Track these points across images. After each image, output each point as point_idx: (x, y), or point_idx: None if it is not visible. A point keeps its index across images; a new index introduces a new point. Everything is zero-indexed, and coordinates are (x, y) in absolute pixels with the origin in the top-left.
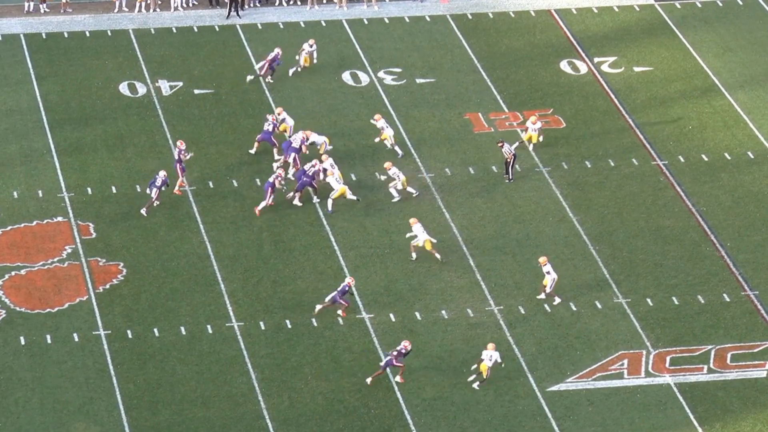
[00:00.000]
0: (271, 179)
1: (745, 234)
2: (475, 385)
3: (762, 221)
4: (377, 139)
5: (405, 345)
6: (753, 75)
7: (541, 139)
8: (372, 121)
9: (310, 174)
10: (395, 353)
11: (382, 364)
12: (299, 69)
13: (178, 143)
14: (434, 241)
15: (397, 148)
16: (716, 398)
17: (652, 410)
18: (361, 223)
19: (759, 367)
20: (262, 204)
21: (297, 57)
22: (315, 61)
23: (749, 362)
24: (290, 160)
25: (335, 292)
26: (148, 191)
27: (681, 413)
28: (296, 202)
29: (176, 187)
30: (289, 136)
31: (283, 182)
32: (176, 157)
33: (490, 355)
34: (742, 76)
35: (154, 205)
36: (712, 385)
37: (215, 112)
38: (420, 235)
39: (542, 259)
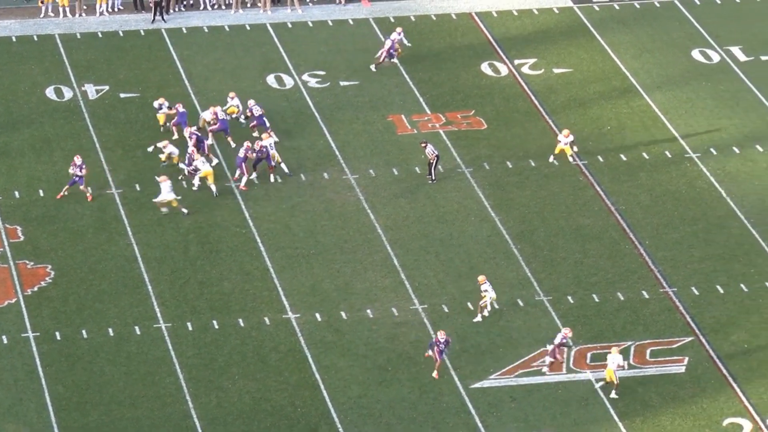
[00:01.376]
0: (240, 154)
1: (663, 232)
2: (614, 394)
3: (679, 219)
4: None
5: (442, 335)
6: (670, 76)
7: (575, 149)
8: (229, 99)
9: (255, 153)
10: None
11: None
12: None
13: (75, 158)
14: (179, 198)
15: (242, 118)
16: (636, 393)
17: (573, 406)
18: (287, 224)
19: (677, 362)
20: (245, 179)
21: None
22: (408, 44)
23: (668, 358)
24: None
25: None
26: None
27: (602, 408)
28: (250, 178)
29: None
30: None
31: (253, 153)
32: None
33: (613, 360)
34: (660, 77)
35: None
36: (632, 380)
37: (141, 116)
38: (166, 195)
39: (481, 278)
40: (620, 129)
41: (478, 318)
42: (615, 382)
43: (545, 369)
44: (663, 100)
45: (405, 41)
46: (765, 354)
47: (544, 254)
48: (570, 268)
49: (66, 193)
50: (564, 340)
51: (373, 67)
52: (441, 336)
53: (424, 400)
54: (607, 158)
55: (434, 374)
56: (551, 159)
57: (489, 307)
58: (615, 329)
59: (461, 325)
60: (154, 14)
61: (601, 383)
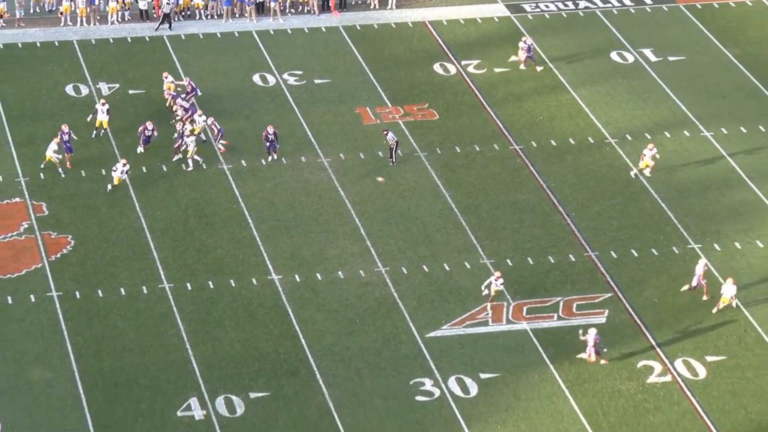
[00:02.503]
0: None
1: (587, 205)
2: (715, 310)
3: (600, 195)
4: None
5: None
6: (592, 74)
7: (652, 162)
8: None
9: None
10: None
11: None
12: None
13: (63, 127)
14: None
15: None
16: (564, 341)
17: (512, 351)
18: (270, 200)
19: (599, 314)
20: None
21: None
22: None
23: (591, 311)
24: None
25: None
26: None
27: (536, 354)
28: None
29: (67, 162)
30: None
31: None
32: (64, 138)
33: (728, 288)
34: (583, 75)
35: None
36: (561, 330)
37: (147, 109)
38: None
39: (497, 273)
40: (550, 119)
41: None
42: (731, 304)
43: (583, 356)
44: (586, 95)
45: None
46: (672, 307)
47: (487, 224)
48: (509, 236)
49: (69, 163)
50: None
51: (522, 66)
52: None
53: (387, 348)
54: (540, 144)
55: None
56: (633, 174)
57: (491, 293)
58: (546, 287)
59: (418, 285)
60: (161, 23)
61: (718, 308)
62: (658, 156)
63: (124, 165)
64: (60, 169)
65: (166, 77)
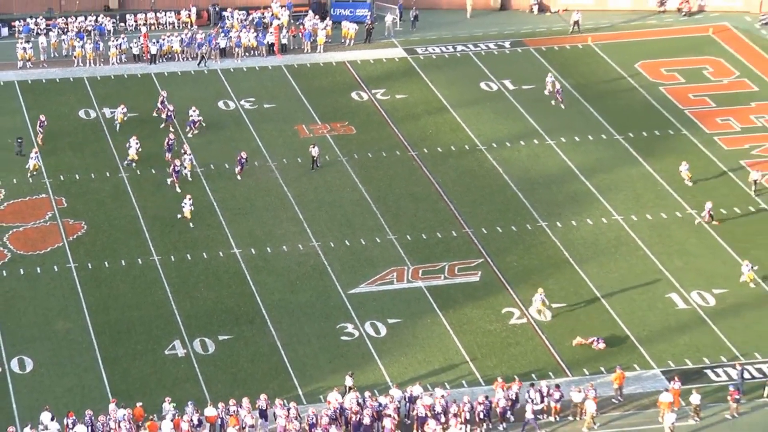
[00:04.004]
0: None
1: (465, 195)
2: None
3: (475, 188)
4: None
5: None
6: (467, 99)
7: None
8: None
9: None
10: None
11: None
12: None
13: (41, 117)
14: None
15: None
16: (449, 294)
17: (411, 303)
18: (232, 193)
19: (474, 275)
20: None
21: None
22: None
23: (467, 272)
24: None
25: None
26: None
27: (428, 304)
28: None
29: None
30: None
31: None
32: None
33: (748, 264)
34: (461, 100)
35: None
36: (447, 287)
37: (139, 129)
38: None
39: (540, 290)
40: (437, 132)
41: (541, 316)
42: (755, 280)
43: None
44: (463, 114)
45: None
46: (526, 269)
47: (392, 210)
48: (408, 218)
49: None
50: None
51: (556, 102)
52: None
53: (320, 302)
54: (430, 150)
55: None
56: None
57: (541, 307)
58: (436, 255)
59: (342, 254)
60: (200, 62)
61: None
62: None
63: (190, 199)
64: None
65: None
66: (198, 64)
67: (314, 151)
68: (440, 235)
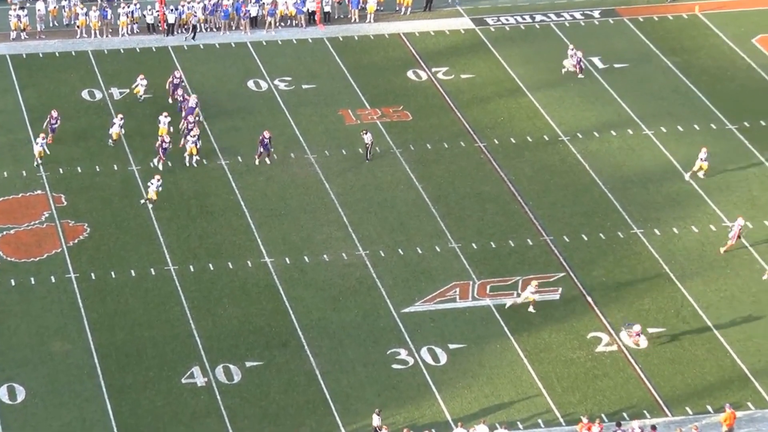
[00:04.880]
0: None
1: (543, 196)
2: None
3: (554, 186)
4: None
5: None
6: (546, 80)
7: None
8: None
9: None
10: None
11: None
12: (578, 72)
13: (52, 112)
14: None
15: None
16: (523, 314)
17: (477, 325)
18: (263, 191)
19: (553, 292)
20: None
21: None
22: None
23: (546, 288)
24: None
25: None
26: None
27: (498, 326)
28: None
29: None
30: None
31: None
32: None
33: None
34: (539, 81)
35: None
36: (521, 305)
37: (154, 111)
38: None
39: (534, 283)
40: (510, 119)
41: (530, 309)
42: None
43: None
44: (542, 98)
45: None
46: (617, 285)
47: (455, 213)
48: (474, 223)
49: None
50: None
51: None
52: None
53: (367, 322)
54: (501, 141)
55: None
56: (687, 177)
57: (526, 300)
58: (507, 267)
59: (395, 266)
60: (190, 33)
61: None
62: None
63: (158, 180)
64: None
65: (142, 78)
66: (186, 38)
67: (367, 138)
68: (513, 243)
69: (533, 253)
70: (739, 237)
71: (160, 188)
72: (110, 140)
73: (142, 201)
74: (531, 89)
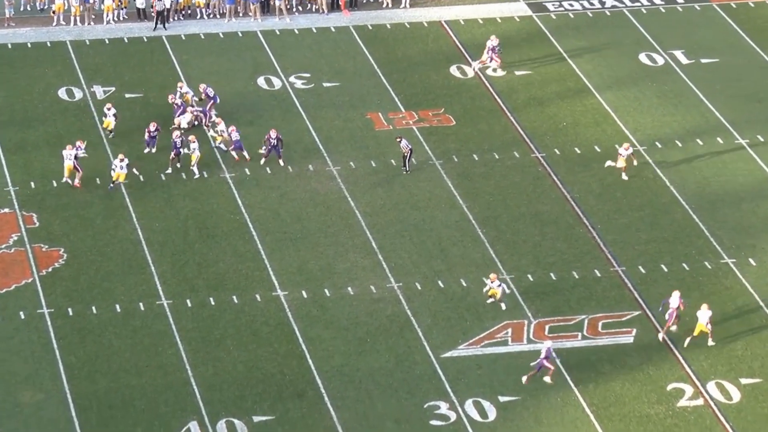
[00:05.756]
0: (236, 137)
1: (613, 217)
2: (710, 342)
3: (627, 206)
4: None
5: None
6: (619, 77)
7: (635, 162)
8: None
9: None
10: (545, 355)
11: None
12: (495, 68)
13: (78, 142)
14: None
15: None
16: (589, 362)
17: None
18: (276, 210)
19: (626, 334)
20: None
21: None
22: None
23: (618, 330)
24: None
25: (539, 359)
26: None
27: (559, 376)
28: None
29: (76, 180)
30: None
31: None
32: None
33: (703, 314)
34: (610, 78)
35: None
36: (586, 350)
37: (144, 114)
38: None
39: (492, 276)
40: (575, 125)
41: (503, 307)
42: (709, 331)
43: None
44: (613, 99)
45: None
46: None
47: (506, 237)
48: (530, 250)
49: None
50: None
51: (476, 65)
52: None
53: (400, 369)
54: (563, 151)
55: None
56: (607, 164)
57: (496, 298)
58: (570, 304)
59: (433, 301)
60: (156, 23)
61: (689, 339)
62: (635, 160)
63: (122, 160)
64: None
65: (181, 87)
66: (155, 27)
67: (404, 145)
68: (577, 274)
69: (601, 287)
70: None
71: (125, 170)
72: (109, 133)
73: (111, 186)
74: (600, 89)
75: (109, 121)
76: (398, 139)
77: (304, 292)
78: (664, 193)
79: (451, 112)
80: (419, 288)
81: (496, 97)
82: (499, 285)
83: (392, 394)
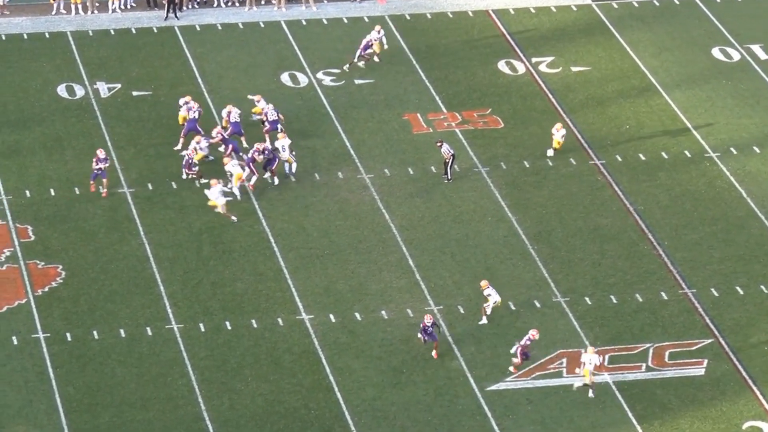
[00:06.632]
0: (249, 154)
1: (683, 233)
2: (591, 394)
3: (699, 220)
4: (255, 117)
5: (533, 334)
6: (689, 74)
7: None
8: (252, 98)
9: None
10: (523, 344)
11: (513, 351)
12: (375, 58)
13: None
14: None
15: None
16: (655, 396)
17: (591, 408)
18: (300, 224)
19: (697, 365)
20: (254, 178)
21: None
22: (386, 46)
23: (687, 360)
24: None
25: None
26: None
27: (620, 411)
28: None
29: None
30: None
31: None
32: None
33: (589, 359)
34: (679, 76)
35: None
36: (651, 383)
37: (154, 114)
38: (216, 199)
39: (483, 283)
40: (639, 128)
41: (484, 320)
42: (591, 383)
43: (511, 369)
44: (682, 99)
45: (384, 42)
46: None
47: (561, 255)
48: (588, 269)
49: (93, 188)
50: (529, 342)
51: (346, 68)
52: (428, 320)
53: (440, 403)
54: (626, 157)
55: (434, 354)
56: (550, 152)
57: (488, 311)
58: (633, 331)
59: (477, 327)
60: (167, 11)
61: (580, 385)
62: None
63: (198, 142)
64: (233, 218)
65: (259, 101)
66: (166, 18)
67: (445, 150)
68: (641, 297)
69: (668, 312)
70: None
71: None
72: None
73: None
74: (667, 87)
75: (185, 116)
76: (439, 144)
77: (331, 316)
78: (739, 205)
79: (499, 113)
80: (462, 312)
81: (550, 96)
82: (490, 294)
83: (431, 431)
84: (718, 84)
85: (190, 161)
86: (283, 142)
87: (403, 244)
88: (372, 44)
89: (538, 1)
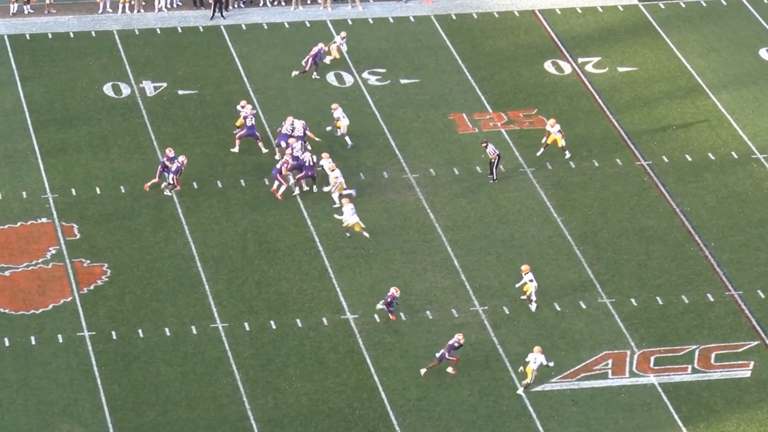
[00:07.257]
0: (278, 166)
1: (729, 234)
2: (520, 391)
3: (746, 221)
4: (329, 128)
5: (458, 338)
6: (737, 75)
7: (563, 143)
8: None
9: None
10: (448, 347)
11: (437, 355)
12: (330, 60)
13: (167, 151)
14: (363, 226)
15: (348, 138)
16: (700, 398)
17: (636, 410)
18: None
19: (743, 367)
20: (282, 188)
21: (326, 50)
22: (345, 54)
23: (733, 362)
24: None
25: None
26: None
27: (665, 413)
28: (297, 190)
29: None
30: (343, 134)
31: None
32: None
33: (534, 358)
34: (726, 76)
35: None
36: (697, 385)
37: (199, 113)
38: (349, 218)
39: (524, 268)
40: (686, 129)
41: (534, 306)
42: (530, 380)
43: (450, 369)
44: (730, 100)
45: (344, 47)
46: None
47: (607, 256)
48: (633, 270)
49: (151, 184)
50: (456, 344)
51: (295, 73)
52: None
53: (484, 404)
54: (672, 159)
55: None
56: (540, 152)
57: (534, 297)
58: (679, 333)
59: (523, 328)
60: (213, 11)
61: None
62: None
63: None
64: (366, 234)
65: (335, 109)
66: (212, 17)
67: (490, 150)
68: (687, 299)
69: (715, 314)
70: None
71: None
72: (336, 131)
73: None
74: (715, 88)
75: (341, 124)
76: (484, 144)
77: (376, 316)
78: None
79: (544, 114)
80: (507, 312)
81: (596, 96)
82: (531, 279)
83: None
84: (766, 85)
85: (282, 168)
86: (325, 162)
87: (448, 245)
88: (323, 52)
89: (584, 1)
